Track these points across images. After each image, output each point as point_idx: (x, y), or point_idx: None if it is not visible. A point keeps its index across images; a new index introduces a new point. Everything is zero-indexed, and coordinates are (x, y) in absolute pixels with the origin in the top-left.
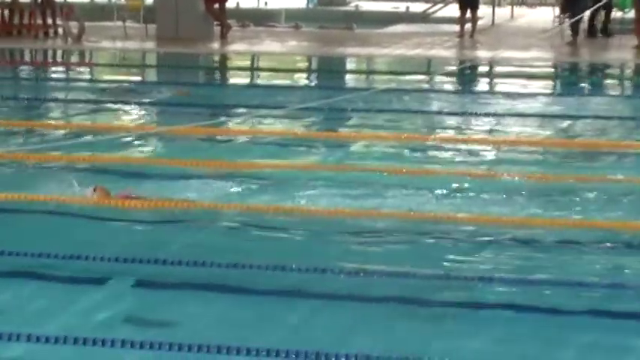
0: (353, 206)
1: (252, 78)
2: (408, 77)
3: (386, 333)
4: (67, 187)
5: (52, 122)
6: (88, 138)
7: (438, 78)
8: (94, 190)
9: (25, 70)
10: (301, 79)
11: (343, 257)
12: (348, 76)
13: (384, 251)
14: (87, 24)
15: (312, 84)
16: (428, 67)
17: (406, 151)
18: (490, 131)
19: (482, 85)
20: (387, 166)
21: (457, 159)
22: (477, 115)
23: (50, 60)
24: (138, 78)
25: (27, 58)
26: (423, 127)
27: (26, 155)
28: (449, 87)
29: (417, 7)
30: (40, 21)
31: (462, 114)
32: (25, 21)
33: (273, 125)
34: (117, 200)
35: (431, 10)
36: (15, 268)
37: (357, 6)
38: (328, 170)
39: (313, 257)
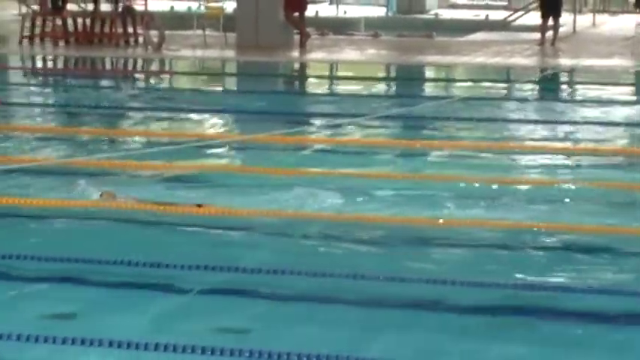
0: (432, 215)
1: (330, 86)
2: (487, 85)
3: (467, 343)
4: (147, 194)
5: (131, 130)
6: (167, 146)
7: (519, 86)
8: (101, 195)
9: (105, 79)
10: (380, 87)
11: (423, 266)
12: (427, 85)
13: (461, 260)
14: (167, 32)
15: (391, 92)
16: (508, 75)
17: (486, 159)
18: (571, 139)
19: (564, 93)
20: (466, 175)
21: (538, 167)
22: (558, 123)
23: (130, 68)
24: (217, 86)
25: (108, 66)
26: (502, 135)
27: (107, 163)
28: (530, 95)
29: (497, 15)
30: (120, 30)
31: (543, 122)
32: (106, 30)
33: (352, 134)
34: (122, 203)
35: (511, 18)
36: (87, 275)
37: (436, 14)
38: (406, 179)
39: (392, 265)
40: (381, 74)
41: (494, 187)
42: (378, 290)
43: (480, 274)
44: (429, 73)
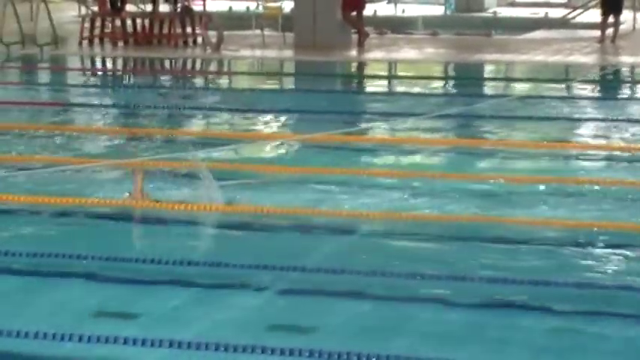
0: (491, 213)
1: (389, 85)
2: (547, 84)
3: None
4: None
5: (191, 130)
6: (227, 145)
7: (579, 84)
8: (129, 194)
9: (164, 79)
10: (439, 86)
11: (484, 265)
12: (486, 83)
13: (520, 260)
14: (225, 33)
15: (450, 91)
16: (567, 73)
17: (546, 158)
18: (632, 138)
19: (625, 91)
20: (525, 174)
21: (600, 166)
22: (618, 121)
23: (189, 69)
24: (276, 86)
25: (166, 67)
26: (563, 134)
27: (166, 163)
28: (590, 93)
29: (557, 13)
30: (179, 30)
31: (604, 120)
32: (165, 30)
33: (411, 133)
34: (150, 203)
35: (570, 16)
36: (159, 276)
37: (495, 12)
38: (466, 178)
39: (450, 265)
40: (440, 73)
41: (555, 185)
42: (439, 290)
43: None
44: (488, 72)
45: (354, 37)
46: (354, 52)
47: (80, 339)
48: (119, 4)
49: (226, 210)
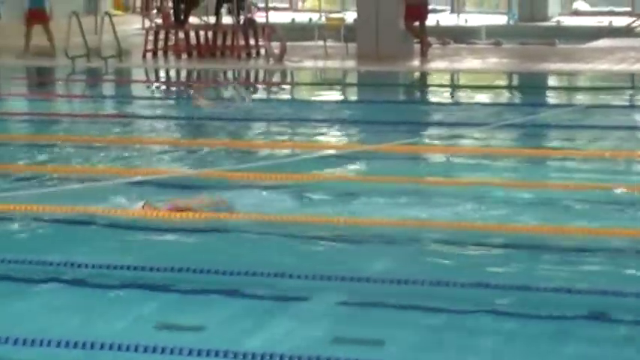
0: (556, 223)
1: (452, 95)
2: (612, 93)
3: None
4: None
5: (253, 142)
6: (290, 157)
7: None
8: (143, 206)
9: (227, 91)
10: (503, 95)
11: (548, 276)
12: (550, 93)
13: (584, 270)
14: (288, 44)
15: (514, 101)
16: (633, 82)
17: (612, 168)
18: None
19: None
20: (590, 183)
21: None
22: None
23: (252, 80)
24: (339, 97)
25: (230, 78)
26: (628, 143)
27: (230, 174)
28: None
29: (620, 21)
30: (242, 42)
31: None
32: (228, 42)
33: (475, 143)
34: (165, 213)
35: (635, 24)
36: (218, 287)
37: (558, 21)
38: (530, 187)
39: (514, 274)
40: (503, 83)
41: (618, 192)
42: (506, 299)
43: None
44: (552, 81)
45: (417, 47)
46: (416, 62)
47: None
48: (182, 17)
49: (286, 220)
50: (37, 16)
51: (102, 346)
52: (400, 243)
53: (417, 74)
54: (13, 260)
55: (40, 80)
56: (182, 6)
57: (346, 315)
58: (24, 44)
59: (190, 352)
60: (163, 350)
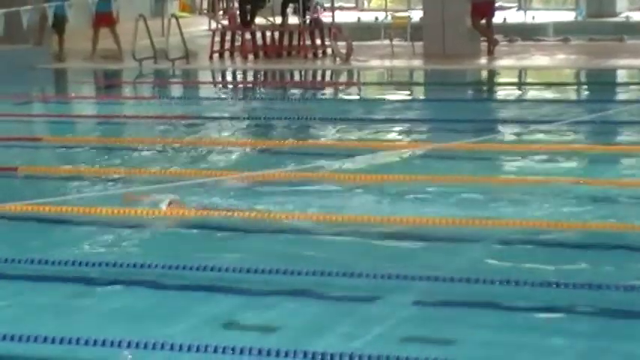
0: (627, 221)
1: (520, 93)
2: None
3: None
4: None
5: (320, 142)
6: (355, 155)
7: None
8: (169, 203)
9: (295, 91)
10: (571, 92)
11: (621, 274)
12: (619, 89)
13: None
14: (354, 43)
15: (583, 97)
16: None
17: None
18: None
19: None
20: None
21: None
22: None
23: (319, 80)
24: (405, 96)
25: (297, 78)
26: None
27: (292, 175)
28: None
29: None
30: (309, 42)
31: None
32: (295, 42)
33: (544, 140)
34: (193, 211)
35: None
36: (291, 287)
37: (627, 16)
38: (602, 185)
39: (587, 273)
40: (572, 79)
41: None
42: (580, 299)
43: None
44: (621, 77)
45: (484, 45)
46: (483, 60)
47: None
48: (248, 18)
49: (354, 220)
50: (104, 19)
51: (172, 347)
52: (471, 242)
53: (484, 72)
54: (83, 262)
55: (108, 83)
56: (248, 7)
57: (418, 315)
58: (91, 47)
59: (260, 352)
60: (233, 350)
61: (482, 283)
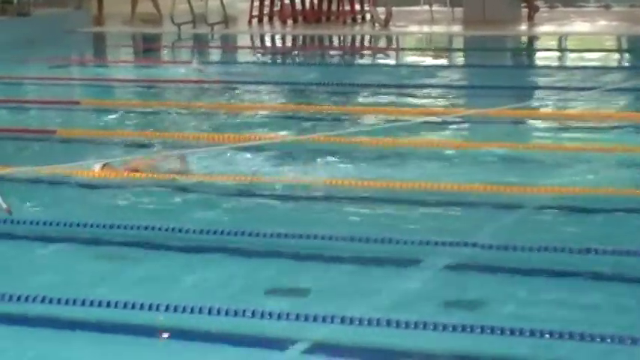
0: None
1: (560, 59)
2: None
3: None
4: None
5: (358, 108)
6: (394, 122)
7: None
8: (103, 166)
9: (334, 56)
10: (612, 59)
11: None
12: None
13: None
14: (394, 9)
15: (623, 64)
16: None
17: None
18: None
19: None
20: None
21: None
22: None
23: (358, 46)
24: (444, 61)
25: (335, 44)
26: None
27: (334, 138)
28: None
29: None
30: (348, 7)
31: None
32: (334, 8)
33: (583, 107)
34: (124, 173)
35: None
36: (322, 252)
37: None
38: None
39: (617, 239)
40: (613, 46)
41: None
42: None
43: None
44: None
45: (524, 10)
46: (524, 27)
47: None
48: None
49: (392, 186)
50: None
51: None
52: (507, 208)
53: (524, 38)
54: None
55: (147, 47)
56: None
57: (452, 280)
58: (130, 11)
59: (297, 317)
60: (270, 315)
61: (520, 250)
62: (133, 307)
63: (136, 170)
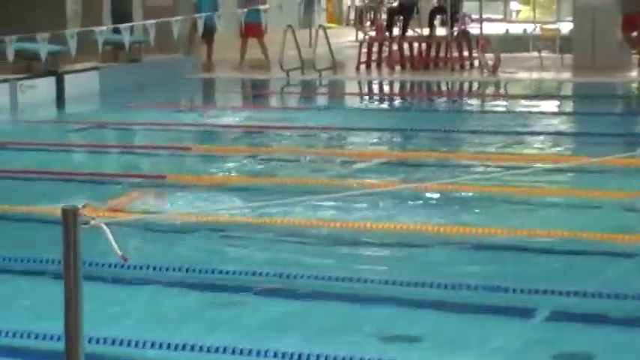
0: None
1: None
2: None
3: None
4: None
5: (466, 154)
6: (508, 170)
7: None
8: (83, 206)
9: (442, 102)
10: None
11: None
12: None
13: None
14: (502, 55)
15: None
16: None
17: None
18: None
19: None
20: None
21: None
22: None
23: (467, 92)
24: (554, 108)
25: (444, 90)
26: None
27: (444, 186)
28: None
29: None
30: (456, 54)
31: None
32: (442, 54)
33: None
34: (107, 212)
35: None
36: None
37: None
38: None
39: None
40: None
41: None
42: None
43: None
44: None
45: (635, 57)
46: (634, 73)
47: None
48: (401, 30)
49: (491, 233)
50: (252, 30)
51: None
52: (622, 256)
53: (635, 85)
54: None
55: (256, 93)
56: (398, 17)
57: (561, 330)
58: (239, 57)
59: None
60: None
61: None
62: None
63: (118, 210)
